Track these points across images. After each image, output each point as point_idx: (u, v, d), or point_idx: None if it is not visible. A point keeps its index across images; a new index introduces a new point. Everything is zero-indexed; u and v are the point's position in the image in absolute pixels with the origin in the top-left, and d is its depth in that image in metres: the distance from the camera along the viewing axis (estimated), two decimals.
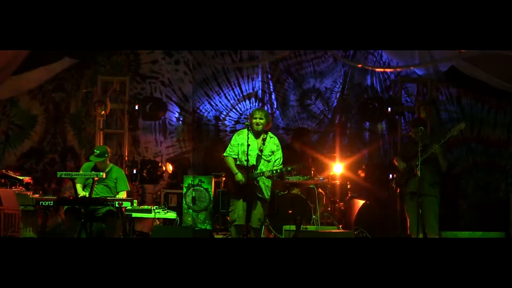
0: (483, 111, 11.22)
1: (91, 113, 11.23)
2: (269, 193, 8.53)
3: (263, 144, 8.33)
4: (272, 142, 8.42)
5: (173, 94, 11.80)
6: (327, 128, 11.94)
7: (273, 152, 8.38)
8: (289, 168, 8.64)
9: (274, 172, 8.34)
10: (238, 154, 8.37)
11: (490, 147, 11.19)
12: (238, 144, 8.38)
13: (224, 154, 8.51)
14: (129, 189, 9.03)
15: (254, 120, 8.32)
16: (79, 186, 8.53)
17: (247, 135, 8.17)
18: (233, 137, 8.55)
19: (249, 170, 8.16)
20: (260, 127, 8.30)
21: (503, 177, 11.05)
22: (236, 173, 8.27)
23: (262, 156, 8.32)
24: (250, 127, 8.30)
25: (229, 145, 8.49)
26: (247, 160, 8.08)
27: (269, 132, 8.48)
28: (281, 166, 8.40)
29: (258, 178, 8.28)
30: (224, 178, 10.47)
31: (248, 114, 10.14)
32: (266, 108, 11.80)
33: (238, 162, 8.38)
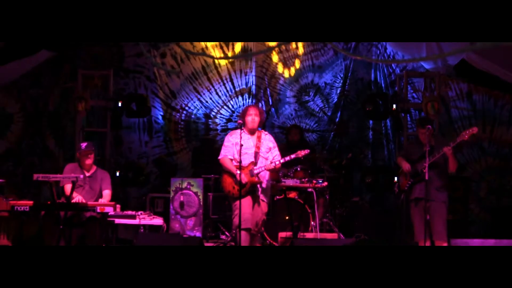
0: (496, 108, 11.26)
1: (71, 110, 11.20)
2: (269, 194, 8.59)
3: (259, 141, 8.43)
4: (268, 139, 8.54)
5: (159, 90, 11.79)
6: (327, 127, 11.95)
7: (270, 149, 8.49)
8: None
9: (276, 164, 8.34)
10: (234, 154, 8.39)
11: (503, 147, 11.22)
12: (232, 144, 8.42)
13: (219, 157, 8.52)
14: (112, 191, 9.06)
15: (249, 118, 8.40)
16: (69, 187, 8.51)
17: (240, 135, 8.18)
18: (226, 138, 8.58)
19: (248, 168, 8.25)
20: (256, 124, 8.42)
21: None
22: (238, 172, 8.23)
23: (260, 153, 8.40)
24: (243, 126, 8.33)
25: (223, 147, 8.53)
26: (240, 162, 8.09)
27: (262, 130, 8.60)
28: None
29: (258, 176, 8.30)
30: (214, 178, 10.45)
31: (240, 111, 10.09)
32: (260, 105, 11.81)
33: (234, 163, 8.38)
